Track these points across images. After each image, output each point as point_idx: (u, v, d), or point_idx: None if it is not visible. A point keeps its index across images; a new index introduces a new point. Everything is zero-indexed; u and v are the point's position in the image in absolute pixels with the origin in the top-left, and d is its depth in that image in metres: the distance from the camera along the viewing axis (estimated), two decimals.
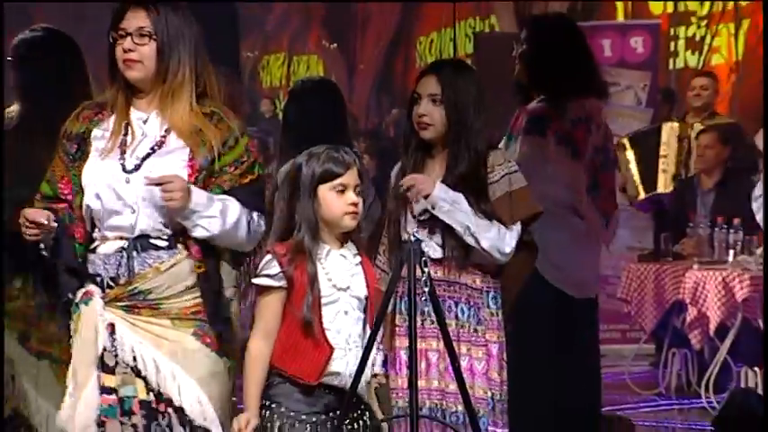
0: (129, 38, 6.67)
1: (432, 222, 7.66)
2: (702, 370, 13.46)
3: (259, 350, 6.42)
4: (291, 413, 6.42)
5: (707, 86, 16.38)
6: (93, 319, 6.55)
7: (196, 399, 6.58)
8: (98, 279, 6.61)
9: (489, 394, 7.63)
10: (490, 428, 7.60)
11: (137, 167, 6.63)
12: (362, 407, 6.53)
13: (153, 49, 6.69)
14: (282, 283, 6.38)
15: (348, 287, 6.50)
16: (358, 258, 6.60)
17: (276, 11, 32.44)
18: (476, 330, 7.66)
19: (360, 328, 6.50)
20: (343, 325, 6.45)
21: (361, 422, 6.52)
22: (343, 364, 6.39)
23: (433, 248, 7.57)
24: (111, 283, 6.59)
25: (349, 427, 6.47)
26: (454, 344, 7.30)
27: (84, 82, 7.91)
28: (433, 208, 7.60)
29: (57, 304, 7.75)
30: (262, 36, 31.15)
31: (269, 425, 6.43)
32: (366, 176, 7.05)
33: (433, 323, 7.52)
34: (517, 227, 7.65)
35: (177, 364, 6.57)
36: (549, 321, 9.22)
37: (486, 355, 7.67)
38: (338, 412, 6.40)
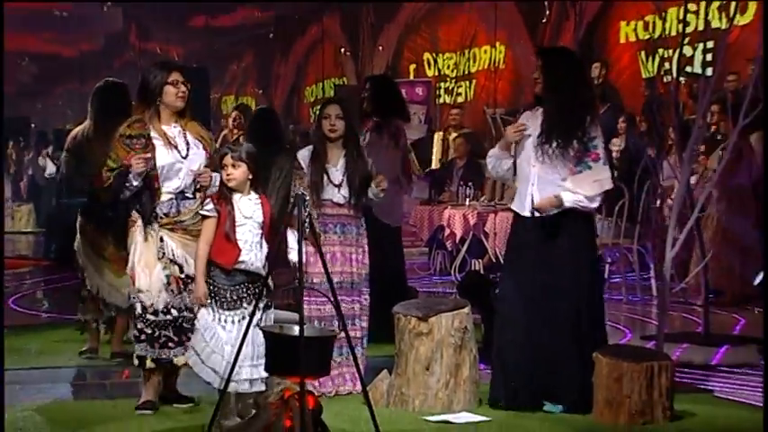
0: (181, 85, 6.79)
1: (341, 184, 7.44)
2: (452, 261, 13.44)
3: (203, 250, 6.46)
4: (219, 284, 6.43)
5: (458, 114, 16.67)
6: (155, 233, 6.68)
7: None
8: (157, 212, 6.69)
9: (365, 271, 7.56)
10: (364, 289, 7.57)
11: (186, 156, 6.76)
12: (261, 281, 6.39)
13: (188, 91, 6.82)
14: (214, 213, 6.46)
15: (251, 216, 6.48)
16: (258, 200, 6.56)
17: (230, 73, 32.11)
18: (358, 240, 7.53)
19: (258, 238, 6.47)
20: (247, 237, 6.43)
21: (262, 287, 6.36)
22: (246, 258, 6.40)
23: (341, 198, 7.43)
24: (163, 216, 6.70)
25: (254, 290, 6.43)
26: (353, 247, 7.51)
27: (128, 111, 7.41)
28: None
29: (110, 230, 8.09)
30: (222, 85, 30.40)
31: (210, 293, 6.42)
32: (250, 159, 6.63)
33: (332, 236, 7.51)
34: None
35: (192, 257, 6.64)
36: (379, 236, 8.65)
37: (363, 252, 7.58)
38: (246, 283, 6.46)
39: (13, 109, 27.04)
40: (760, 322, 9.98)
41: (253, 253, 6.40)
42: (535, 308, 6.95)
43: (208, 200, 6.58)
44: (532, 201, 6.90)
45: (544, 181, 6.90)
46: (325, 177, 7.44)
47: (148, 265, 6.70)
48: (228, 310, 6.38)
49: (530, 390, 6.92)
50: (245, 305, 6.43)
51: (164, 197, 6.75)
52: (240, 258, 6.39)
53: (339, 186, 7.46)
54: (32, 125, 26.44)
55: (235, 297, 6.39)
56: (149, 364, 6.71)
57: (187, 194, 6.80)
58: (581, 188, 6.82)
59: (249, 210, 6.51)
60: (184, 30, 29.93)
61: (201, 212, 6.59)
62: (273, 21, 30.01)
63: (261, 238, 6.49)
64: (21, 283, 13.86)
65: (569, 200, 6.81)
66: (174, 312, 6.71)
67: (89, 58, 29.99)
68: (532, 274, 6.96)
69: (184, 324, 6.70)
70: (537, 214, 6.88)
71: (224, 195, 6.51)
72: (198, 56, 28.65)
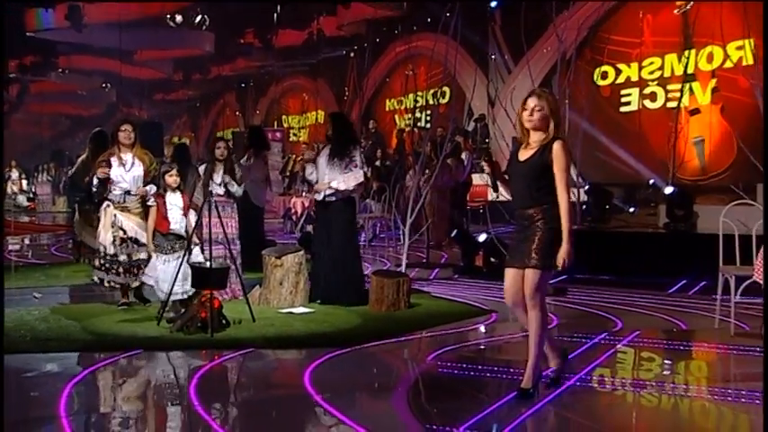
0: (125, 132, 6.41)
1: (220, 184, 6.91)
2: (295, 226, 12.52)
3: (150, 225, 6.11)
4: (158, 243, 6.07)
5: (305, 147, 15.89)
6: (111, 212, 6.33)
7: (143, 236, 6.28)
8: (112, 200, 6.35)
9: (235, 233, 6.98)
10: (237, 242, 7.04)
11: (129, 170, 6.39)
12: (185, 240, 6.01)
13: (133, 135, 6.44)
14: (154, 203, 6.15)
15: (176, 204, 6.10)
16: (181, 195, 6.16)
17: (175, 124, 30.98)
18: (231, 214, 6.95)
19: (180, 216, 6.08)
20: (174, 215, 6.06)
21: (185, 242, 6.02)
22: (173, 226, 6.03)
23: (221, 191, 6.88)
24: (117, 203, 6.35)
25: (180, 243, 6.04)
26: (228, 219, 6.87)
27: (107, 146, 6.65)
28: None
29: (94, 209, 7.45)
30: (170, 132, 29.33)
31: (156, 246, 6.07)
32: (191, 173, 6.62)
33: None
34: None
35: (138, 227, 6.31)
36: (252, 212, 8.30)
37: (234, 221, 7.00)
38: (175, 240, 6.05)
39: (56, 144, 28.71)
40: (454, 256, 10.02)
41: (177, 224, 6.08)
42: (326, 248, 6.84)
43: (151, 197, 6.21)
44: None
45: (331, 180, 6.73)
46: (212, 182, 6.94)
47: (105, 229, 6.35)
48: (166, 254, 6.08)
49: (329, 293, 6.80)
50: (175, 251, 6.06)
51: (117, 191, 6.38)
52: (170, 227, 6.09)
53: (219, 185, 6.95)
54: (66, 153, 26.90)
55: (169, 247, 6.08)
56: (106, 284, 6.42)
57: (131, 192, 6.38)
58: (345, 181, 6.69)
59: (176, 200, 6.16)
60: (150, 101, 29.30)
61: (148, 204, 6.24)
62: (199, 96, 29.83)
63: (182, 215, 6.12)
64: (58, 239, 13.76)
65: (335, 186, 6.69)
66: (122, 258, 6.34)
67: (96, 117, 29.59)
68: (325, 230, 6.85)
69: (127, 264, 6.38)
70: (320, 196, 6.80)
71: (160, 194, 6.17)
72: (158, 115, 28.25)
